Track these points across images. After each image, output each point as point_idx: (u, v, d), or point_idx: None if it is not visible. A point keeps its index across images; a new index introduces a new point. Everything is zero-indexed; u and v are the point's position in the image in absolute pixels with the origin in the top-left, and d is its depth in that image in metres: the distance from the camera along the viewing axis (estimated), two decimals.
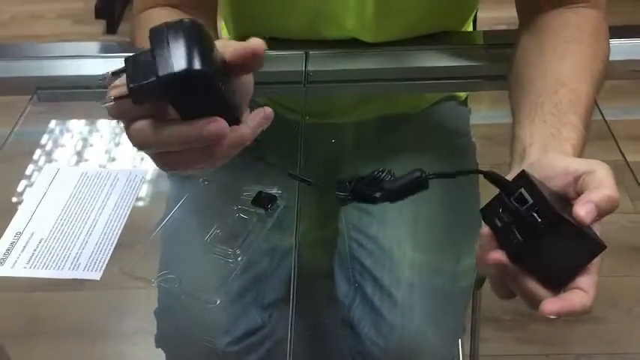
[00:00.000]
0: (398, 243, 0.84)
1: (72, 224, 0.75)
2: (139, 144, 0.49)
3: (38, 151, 0.88)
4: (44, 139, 0.90)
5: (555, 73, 0.68)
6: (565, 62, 0.69)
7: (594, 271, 0.52)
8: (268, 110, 0.51)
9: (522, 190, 0.51)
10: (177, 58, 0.44)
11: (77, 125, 0.89)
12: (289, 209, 0.77)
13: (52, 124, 0.92)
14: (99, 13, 2.63)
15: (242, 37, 0.95)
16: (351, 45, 0.88)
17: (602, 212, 0.51)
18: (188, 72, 0.44)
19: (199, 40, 0.46)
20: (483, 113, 1.46)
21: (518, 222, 0.50)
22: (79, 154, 0.88)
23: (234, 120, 0.49)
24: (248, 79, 0.54)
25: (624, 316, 1.52)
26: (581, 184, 0.52)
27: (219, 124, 0.47)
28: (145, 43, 0.72)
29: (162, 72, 0.44)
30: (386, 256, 0.82)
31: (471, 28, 1.02)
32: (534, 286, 0.51)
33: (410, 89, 0.95)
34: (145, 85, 0.45)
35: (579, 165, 0.54)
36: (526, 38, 0.76)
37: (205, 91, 0.46)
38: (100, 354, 1.28)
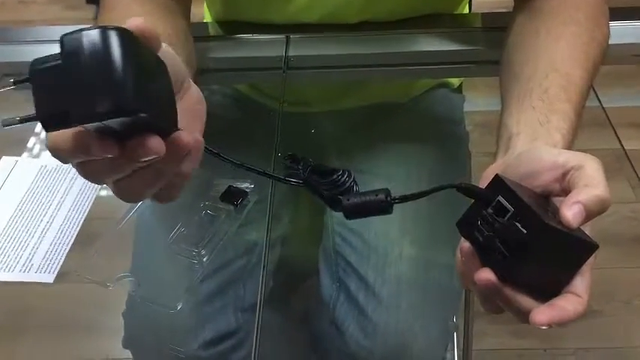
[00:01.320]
0: (384, 237, 0.80)
1: (27, 222, 0.71)
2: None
3: None
4: (5, 128, 0.85)
5: (548, 56, 0.64)
6: (559, 45, 0.65)
7: (587, 273, 0.48)
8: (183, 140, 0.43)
9: (500, 199, 0.46)
10: (98, 89, 0.35)
11: None
12: (264, 204, 0.73)
13: (16, 112, 0.87)
14: None
15: (224, 21, 0.91)
16: (336, 29, 0.83)
17: (591, 214, 0.47)
18: (114, 113, 0.36)
19: (125, 59, 0.36)
20: (479, 100, 1.42)
21: (501, 235, 0.46)
22: (41, 145, 0.83)
23: (171, 124, 0.42)
24: (193, 99, 0.50)
25: (623, 308, 1.49)
26: (569, 181, 0.48)
27: (150, 147, 0.39)
28: None
29: (79, 109, 0.36)
30: (371, 252, 0.79)
31: (466, 11, 0.97)
32: (524, 300, 0.47)
33: (399, 75, 0.90)
34: (57, 119, 0.37)
35: (568, 158, 0.50)
36: (520, 20, 0.72)
37: (135, 124, 0.38)
38: (82, 349, 1.25)
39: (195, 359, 0.75)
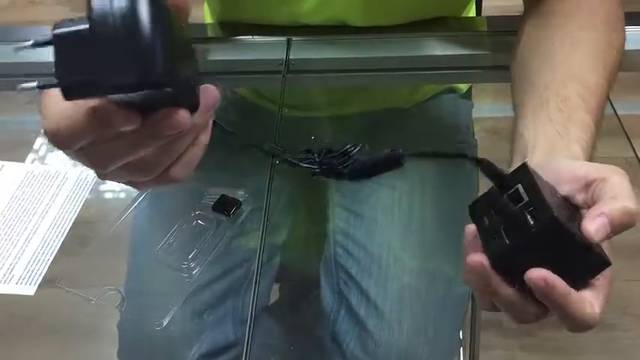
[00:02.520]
0: (387, 249, 0.77)
1: (10, 230, 0.68)
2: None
3: None
4: None
5: (565, 64, 0.61)
6: (576, 52, 0.62)
7: (602, 290, 0.45)
8: (213, 92, 0.41)
9: (519, 187, 0.44)
10: (127, 57, 0.33)
11: (27, 117, 0.81)
12: (261, 212, 0.70)
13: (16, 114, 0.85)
14: None
15: (224, 21, 0.89)
16: (339, 31, 0.81)
17: (617, 228, 0.43)
18: (142, 85, 0.33)
19: (156, 28, 0.33)
20: (489, 106, 1.39)
21: (508, 222, 0.43)
22: (27, 149, 0.80)
23: (193, 102, 0.39)
24: None
25: (638, 323, 1.45)
26: (594, 193, 0.45)
27: (179, 120, 0.36)
28: None
29: (105, 78, 0.33)
30: (373, 263, 0.77)
31: (472, 14, 0.94)
32: (513, 296, 0.44)
33: (403, 80, 0.87)
34: (80, 88, 0.34)
35: (589, 170, 0.47)
36: (532, 24, 0.69)
37: (163, 101, 0.36)
38: (80, 355, 1.23)
39: None
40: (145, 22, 0.33)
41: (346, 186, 0.84)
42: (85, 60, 0.33)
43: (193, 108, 0.38)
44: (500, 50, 0.80)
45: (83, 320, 0.80)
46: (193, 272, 0.63)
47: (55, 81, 0.35)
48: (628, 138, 0.80)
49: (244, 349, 0.61)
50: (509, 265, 0.43)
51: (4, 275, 0.63)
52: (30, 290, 0.62)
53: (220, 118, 0.91)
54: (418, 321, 0.75)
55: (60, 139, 0.37)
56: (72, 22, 0.34)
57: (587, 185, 0.46)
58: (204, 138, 0.42)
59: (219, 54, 0.84)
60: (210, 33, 0.88)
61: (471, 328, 1.15)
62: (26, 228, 0.68)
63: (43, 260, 0.64)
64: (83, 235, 0.71)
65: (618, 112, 0.77)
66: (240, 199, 0.66)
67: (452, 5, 0.86)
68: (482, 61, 0.83)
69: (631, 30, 0.68)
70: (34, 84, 0.35)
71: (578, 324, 0.43)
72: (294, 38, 0.82)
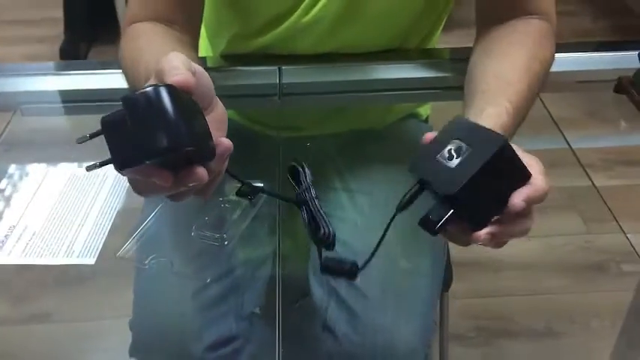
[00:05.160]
0: (370, 246, 0.86)
1: (65, 216, 0.79)
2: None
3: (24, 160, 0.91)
4: (28, 157, 0.93)
5: (494, 70, 0.75)
6: (505, 61, 0.76)
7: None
8: (227, 144, 0.55)
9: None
10: (158, 131, 0.46)
11: (63, 137, 0.92)
12: (271, 211, 0.80)
13: (35, 141, 0.95)
14: (64, 55, 2.65)
15: (221, 53, 0.99)
16: (323, 59, 0.92)
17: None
18: (170, 149, 0.46)
19: (175, 108, 0.47)
20: None
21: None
22: (66, 159, 0.92)
23: (210, 153, 0.52)
24: (220, 111, 0.59)
25: (583, 331, 1.56)
26: None
27: (199, 176, 0.51)
28: (128, 56, 0.76)
29: (145, 148, 0.46)
30: (359, 259, 0.84)
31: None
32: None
33: (379, 100, 1.00)
34: (128, 161, 0.47)
35: None
36: (479, 46, 0.83)
37: (188, 158, 0.50)
38: None
39: None
40: (166, 104, 0.46)
41: (328, 196, 0.92)
42: (128, 140, 0.46)
43: (211, 157, 0.52)
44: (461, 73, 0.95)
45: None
46: (225, 243, 0.74)
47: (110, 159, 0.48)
48: (583, 168, 0.93)
49: (276, 338, 0.70)
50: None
51: (67, 250, 0.74)
52: (91, 261, 0.73)
53: None
54: (399, 305, 0.82)
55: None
56: (114, 113, 0.48)
57: None
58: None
59: (218, 81, 0.94)
60: (209, 64, 0.99)
61: (440, 336, 1.24)
62: (79, 213, 0.79)
63: (98, 237, 0.76)
64: (130, 216, 0.82)
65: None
66: (261, 186, 0.77)
67: (417, 38, 0.99)
68: (447, 82, 0.97)
69: (564, 55, 0.84)
70: (97, 163, 0.50)
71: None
72: (284, 67, 0.93)
